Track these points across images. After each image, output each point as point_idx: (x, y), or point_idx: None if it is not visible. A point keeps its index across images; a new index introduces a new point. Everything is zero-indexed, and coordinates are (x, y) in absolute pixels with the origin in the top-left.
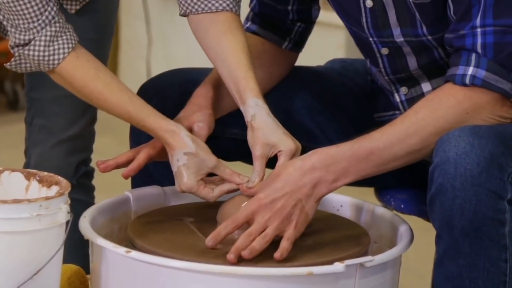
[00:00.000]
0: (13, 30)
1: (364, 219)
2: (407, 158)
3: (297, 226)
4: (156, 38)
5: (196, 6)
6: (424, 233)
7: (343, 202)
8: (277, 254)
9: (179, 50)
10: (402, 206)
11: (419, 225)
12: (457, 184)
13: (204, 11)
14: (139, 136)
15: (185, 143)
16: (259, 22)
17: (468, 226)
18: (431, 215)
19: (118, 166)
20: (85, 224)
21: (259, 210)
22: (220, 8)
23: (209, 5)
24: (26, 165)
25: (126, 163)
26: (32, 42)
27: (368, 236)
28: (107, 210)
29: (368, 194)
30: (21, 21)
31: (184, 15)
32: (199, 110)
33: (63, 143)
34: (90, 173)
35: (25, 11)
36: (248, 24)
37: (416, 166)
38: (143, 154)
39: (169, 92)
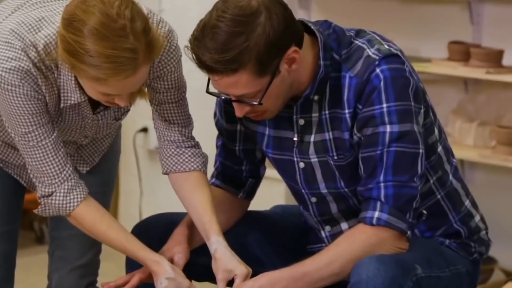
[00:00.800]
0: (39, 185)
1: None
2: (331, 278)
3: None
4: (146, 190)
5: (174, 167)
6: None
7: None
8: None
9: (163, 199)
10: None
11: None
12: None
13: (180, 171)
14: (133, 264)
15: (166, 271)
16: (221, 178)
17: None
18: None
19: (117, 287)
20: None
21: None
22: (192, 169)
23: (184, 166)
24: (49, 287)
25: (123, 284)
26: (54, 194)
27: None
28: None
29: None
30: (45, 178)
31: (165, 173)
32: (178, 245)
33: (76, 269)
34: None
35: (48, 171)
36: (213, 180)
37: (338, 285)
38: (136, 278)
39: (154, 231)
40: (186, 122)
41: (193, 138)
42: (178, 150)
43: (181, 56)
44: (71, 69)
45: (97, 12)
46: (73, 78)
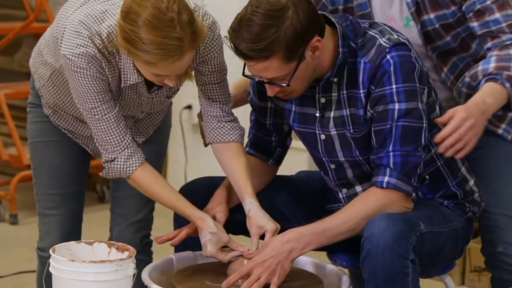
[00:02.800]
0: (104, 152)
1: (320, 272)
2: (348, 234)
3: (280, 277)
4: (190, 158)
5: (216, 138)
6: None
7: (307, 261)
8: None
9: (205, 165)
10: (344, 263)
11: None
12: (378, 250)
13: (221, 142)
14: (180, 220)
15: (210, 226)
16: (254, 148)
17: (386, 277)
18: (362, 269)
19: (168, 240)
20: (145, 276)
21: (255, 267)
22: (231, 140)
23: (224, 138)
24: (110, 238)
25: (173, 238)
26: (116, 159)
27: (323, 283)
28: (159, 267)
29: (322, 256)
30: (108, 146)
31: (208, 143)
32: (219, 205)
33: (133, 224)
34: (149, 243)
35: (111, 140)
36: (247, 149)
37: (353, 239)
38: (184, 232)
39: (199, 191)
40: (226, 100)
41: (232, 114)
42: (219, 124)
43: (222, 44)
44: (128, 54)
45: (150, 6)
46: (131, 62)
